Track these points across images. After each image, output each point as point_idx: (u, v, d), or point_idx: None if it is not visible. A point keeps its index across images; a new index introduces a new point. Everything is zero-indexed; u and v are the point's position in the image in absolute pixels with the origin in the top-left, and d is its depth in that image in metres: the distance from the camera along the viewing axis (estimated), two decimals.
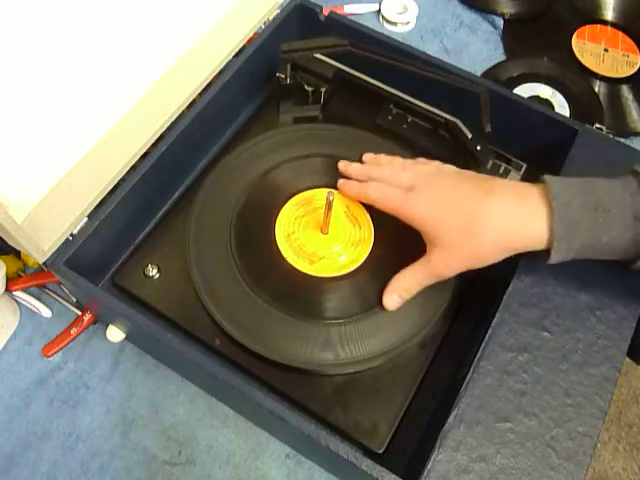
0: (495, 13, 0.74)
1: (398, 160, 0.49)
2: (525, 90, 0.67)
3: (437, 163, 0.47)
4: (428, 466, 0.36)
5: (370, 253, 0.49)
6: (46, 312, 0.52)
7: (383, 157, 0.50)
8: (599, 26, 0.74)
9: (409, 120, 0.57)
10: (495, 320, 0.41)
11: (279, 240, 0.49)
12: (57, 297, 0.53)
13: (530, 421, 0.38)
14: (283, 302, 0.47)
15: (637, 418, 1.13)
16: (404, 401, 0.44)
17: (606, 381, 0.40)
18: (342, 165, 0.51)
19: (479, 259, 0.41)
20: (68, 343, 0.50)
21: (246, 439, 0.48)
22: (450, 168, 0.46)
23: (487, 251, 0.41)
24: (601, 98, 0.67)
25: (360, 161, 0.51)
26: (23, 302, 0.53)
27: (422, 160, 0.49)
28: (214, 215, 0.50)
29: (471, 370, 0.39)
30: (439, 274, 0.43)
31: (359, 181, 0.49)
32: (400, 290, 0.45)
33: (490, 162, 0.54)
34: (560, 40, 0.72)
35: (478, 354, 0.40)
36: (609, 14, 0.74)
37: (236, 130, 0.58)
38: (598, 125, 0.57)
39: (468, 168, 0.54)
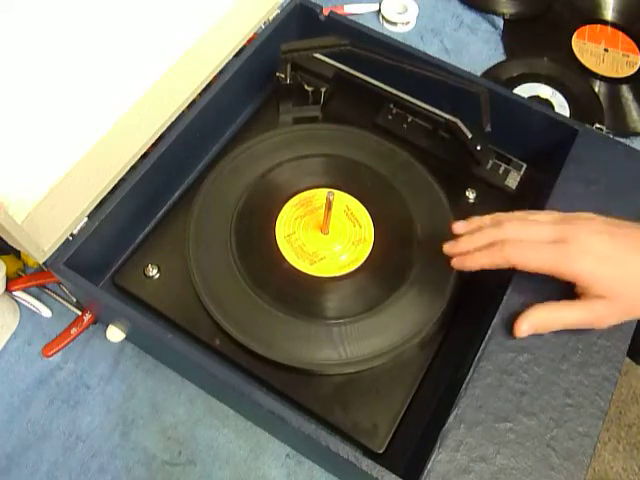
0: (495, 13, 0.74)
1: (517, 214, 0.43)
2: (525, 90, 0.67)
3: (559, 213, 0.43)
4: (428, 466, 0.36)
5: (371, 252, 0.49)
6: (46, 312, 0.52)
7: (492, 217, 0.44)
8: (599, 26, 0.74)
9: (409, 120, 0.57)
10: (495, 320, 0.41)
11: (279, 240, 0.49)
12: (57, 297, 0.53)
13: (530, 421, 0.38)
14: (283, 302, 0.47)
15: (637, 418, 1.13)
16: (404, 401, 0.44)
17: (606, 381, 0.40)
18: (449, 246, 0.43)
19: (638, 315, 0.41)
20: (68, 343, 0.50)
21: (246, 439, 0.48)
22: (585, 214, 0.42)
23: None
24: (601, 98, 0.67)
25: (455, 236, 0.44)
26: (23, 302, 0.53)
27: (543, 212, 0.43)
28: (214, 215, 0.50)
29: (471, 370, 0.39)
30: (596, 325, 0.40)
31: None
32: (539, 324, 0.41)
33: (490, 162, 0.54)
34: (560, 40, 0.72)
35: (478, 354, 0.40)
36: (609, 14, 0.74)
37: (236, 130, 0.58)
38: (598, 125, 0.57)
39: (468, 168, 0.55)
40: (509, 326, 0.41)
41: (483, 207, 0.53)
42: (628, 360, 0.55)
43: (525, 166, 0.55)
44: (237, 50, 0.58)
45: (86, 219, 0.47)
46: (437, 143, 0.56)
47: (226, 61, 0.56)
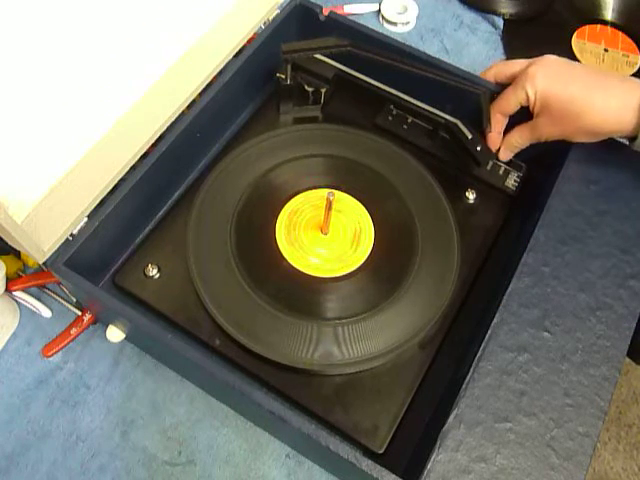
0: (495, 13, 0.74)
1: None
2: None
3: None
4: (428, 466, 0.36)
5: (371, 252, 0.49)
6: (46, 312, 0.52)
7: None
8: (599, 26, 0.74)
9: (409, 121, 0.57)
10: (495, 320, 0.41)
11: (279, 240, 0.49)
12: (57, 297, 0.53)
13: (530, 421, 0.38)
14: (283, 302, 0.47)
15: (637, 418, 1.13)
16: (404, 401, 0.44)
17: (606, 381, 0.40)
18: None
19: (574, 136, 0.48)
20: (68, 343, 0.50)
21: (246, 439, 0.48)
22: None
23: (583, 133, 0.48)
24: None
25: None
26: (23, 302, 0.53)
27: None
28: (214, 215, 0.50)
29: (471, 370, 0.39)
30: (540, 137, 0.50)
31: None
32: (511, 147, 0.53)
33: (490, 163, 0.54)
34: (560, 40, 0.72)
35: (478, 354, 0.40)
36: (609, 14, 0.74)
37: (236, 130, 0.58)
38: None
39: (468, 169, 0.55)
40: (509, 326, 0.41)
41: (483, 207, 0.53)
42: (628, 360, 0.55)
43: (525, 166, 0.55)
44: (237, 50, 0.58)
45: (86, 219, 0.47)
46: (437, 144, 0.56)
47: (226, 61, 0.57)
